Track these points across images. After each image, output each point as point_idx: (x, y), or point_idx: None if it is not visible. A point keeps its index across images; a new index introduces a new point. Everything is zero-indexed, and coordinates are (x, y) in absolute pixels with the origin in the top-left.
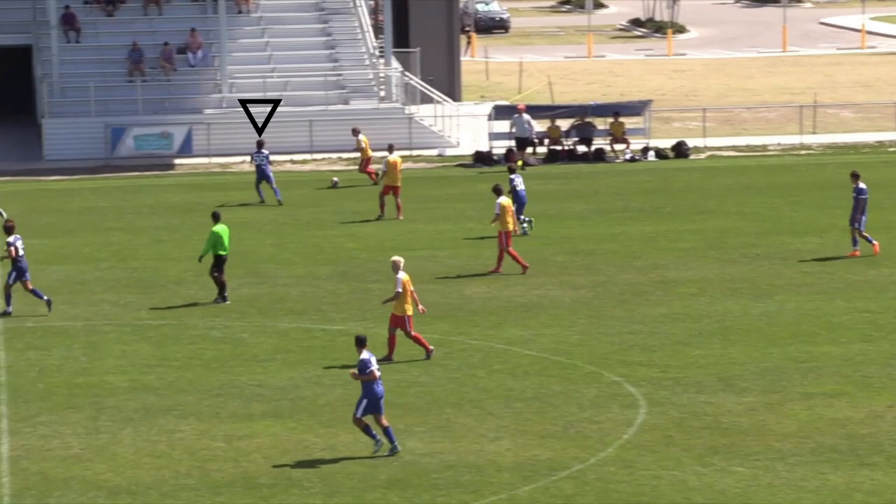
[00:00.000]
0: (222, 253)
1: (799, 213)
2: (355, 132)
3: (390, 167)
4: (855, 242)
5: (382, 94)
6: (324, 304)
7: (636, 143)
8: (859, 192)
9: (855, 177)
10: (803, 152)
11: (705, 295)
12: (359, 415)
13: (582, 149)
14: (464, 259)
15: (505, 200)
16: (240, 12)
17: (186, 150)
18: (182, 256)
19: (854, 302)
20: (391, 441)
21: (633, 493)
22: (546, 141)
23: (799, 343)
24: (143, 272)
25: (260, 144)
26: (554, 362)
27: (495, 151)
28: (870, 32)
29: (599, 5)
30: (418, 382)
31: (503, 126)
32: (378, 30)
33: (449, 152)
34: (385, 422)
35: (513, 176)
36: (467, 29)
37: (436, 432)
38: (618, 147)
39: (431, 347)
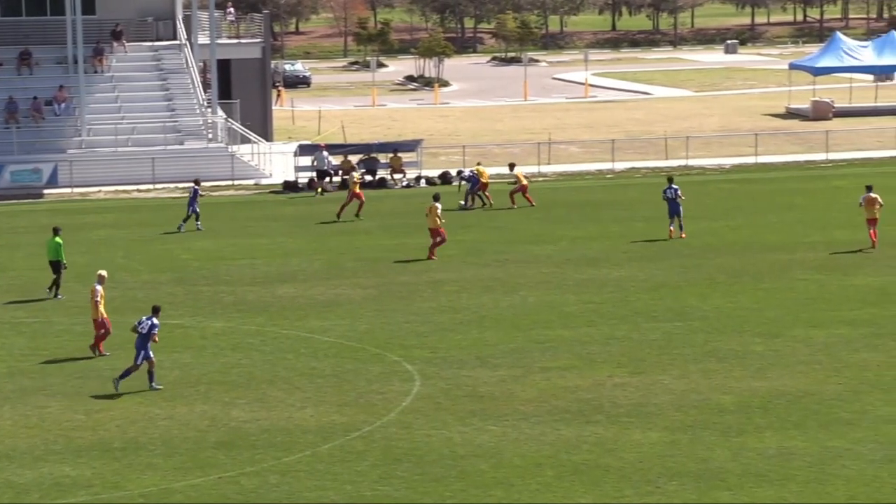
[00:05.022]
0: (50, 259)
1: (537, 227)
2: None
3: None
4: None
5: (210, 136)
6: (164, 304)
7: (411, 173)
8: (663, 192)
9: (669, 179)
10: (541, 178)
11: (466, 292)
12: (138, 362)
13: (368, 178)
14: (276, 265)
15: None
16: (96, 72)
17: (53, 182)
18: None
19: (581, 295)
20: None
21: (410, 449)
22: (340, 172)
23: (539, 328)
24: (19, 280)
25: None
26: (347, 346)
27: (300, 181)
28: (592, 85)
29: (381, 65)
30: (240, 364)
31: (306, 161)
32: (206, 85)
33: (263, 182)
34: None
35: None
36: (277, 84)
37: (254, 404)
38: (396, 176)
39: (107, 353)
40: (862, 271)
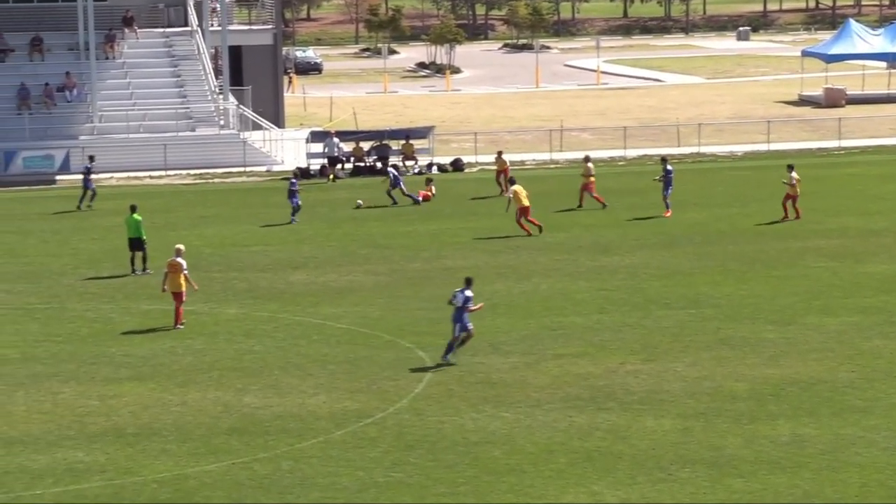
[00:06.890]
0: (130, 237)
1: (549, 214)
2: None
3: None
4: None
5: (222, 122)
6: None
7: (423, 160)
8: (667, 172)
9: (664, 161)
10: (552, 166)
11: (478, 278)
12: (456, 334)
13: (380, 165)
14: (288, 252)
15: (517, 187)
16: (107, 58)
17: (65, 168)
18: (62, 253)
19: (593, 282)
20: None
21: (423, 435)
22: (352, 159)
23: (551, 315)
24: (31, 266)
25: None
26: (360, 333)
27: (312, 167)
28: (603, 72)
29: (393, 52)
30: (253, 351)
31: (318, 147)
32: (218, 72)
33: (275, 168)
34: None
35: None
36: (289, 71)
37: (267, 390)
38: (408, 163)
39: (182, 324)
40: (875, 259)
